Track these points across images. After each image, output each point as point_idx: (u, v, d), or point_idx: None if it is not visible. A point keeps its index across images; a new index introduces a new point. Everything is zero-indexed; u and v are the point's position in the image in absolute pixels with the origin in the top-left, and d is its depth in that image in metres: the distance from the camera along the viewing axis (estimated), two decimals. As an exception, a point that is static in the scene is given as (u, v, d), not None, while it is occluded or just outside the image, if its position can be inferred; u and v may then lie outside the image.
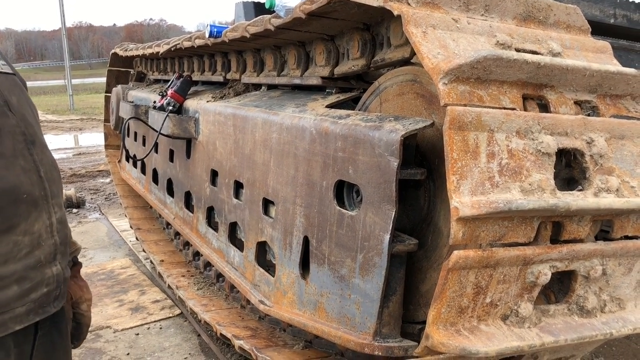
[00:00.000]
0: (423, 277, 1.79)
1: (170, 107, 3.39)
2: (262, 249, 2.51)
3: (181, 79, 3.63)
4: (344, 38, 2.22)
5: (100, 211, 6.64)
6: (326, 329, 1.90)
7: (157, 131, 3.33)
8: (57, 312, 1.32)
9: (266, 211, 2.44)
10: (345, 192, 1.89)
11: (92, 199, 7.28)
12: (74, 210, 6.61)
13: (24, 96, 1.30)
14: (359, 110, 2.08)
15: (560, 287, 1.63)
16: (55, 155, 1.57)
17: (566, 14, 1.86)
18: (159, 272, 3.83)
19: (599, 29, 2.72)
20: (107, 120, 6.13)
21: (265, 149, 2.38)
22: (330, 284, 1.91)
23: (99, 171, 9.15)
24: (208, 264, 3.47)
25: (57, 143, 13.59)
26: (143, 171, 4.66)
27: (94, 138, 14.21)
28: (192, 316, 3.41)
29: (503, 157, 1.37)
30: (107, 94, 6.04)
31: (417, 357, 1.51)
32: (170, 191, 3.89)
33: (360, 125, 1.75)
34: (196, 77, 3.88)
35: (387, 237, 1.61)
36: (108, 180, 8.29)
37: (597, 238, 1.57)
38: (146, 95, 4.47)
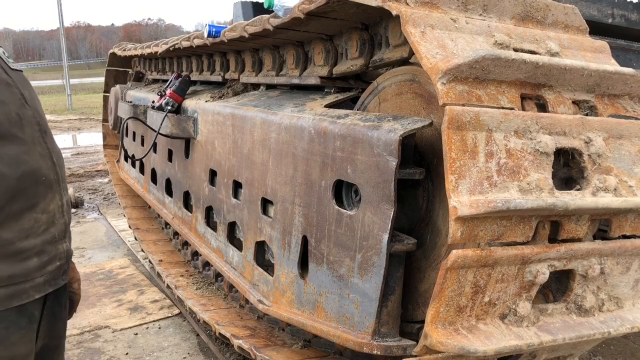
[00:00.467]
0: (422, 276, 1.79)
1: (169, 107, 3.39)
2: (261, 248, 2.51)
3: (180, 78, 3.63)
4: (342, 38, 2.22)
5: (99, 211, 6.63)
6: (325, 328, 1.90)
7: (155, 131, 3.33)
8: (61, 286, 1.48)
9: (265, 211, 2.44)
10: (344, 191, 1.89)
11: (90, 198, 7.27)
12: (73, 210, 6.59)
13: (34, 91, 1.46)
14: (358, 110, 2.08)
15: (558, 286, 1.63)
16: (54, 155, 1.62)
17: (564, 13, 1.86)
18: (157, 272, 3.83)
19: (597, 29, 2.72)
20: (105, 120, 6.14)
21: (264, 148, 2.38)
22: (329, 284, 1.91)
23: (98, 171, 9.13)
24: (207, 264, 3.47)
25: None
26: (142, 171, 4.66)
27: (93, 138, 14.18)
28: (191, 316, 3.41)
29: (501, 157, 1.38)
30: (106, 94, 6.04)
31: (415, 356, 1.51)
32: (169, 191, 3.89)
33: (359, 125, 1.75)
34: (195, 76, 3.88)
35: (386, 236, 1.61)
36: (106, 180, 8.27)
37: (595, 237, 1.58)
38: (145, 95, 4.47)
